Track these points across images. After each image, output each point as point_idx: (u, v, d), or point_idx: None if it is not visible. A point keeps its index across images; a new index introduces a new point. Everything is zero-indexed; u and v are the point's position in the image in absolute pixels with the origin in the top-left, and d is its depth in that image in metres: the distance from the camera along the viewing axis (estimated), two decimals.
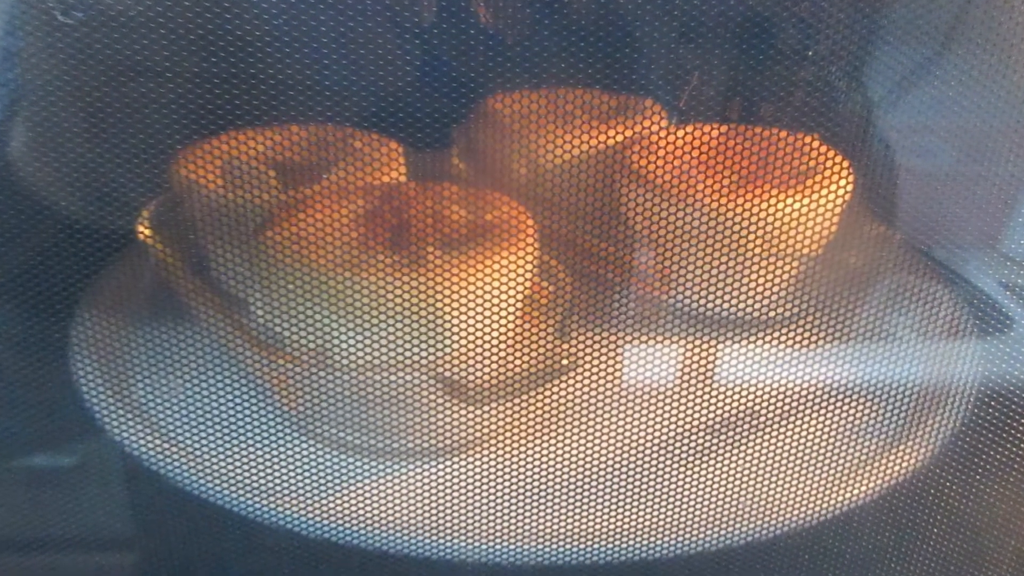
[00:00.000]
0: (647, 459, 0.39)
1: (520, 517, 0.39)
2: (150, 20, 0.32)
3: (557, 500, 0.40)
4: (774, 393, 0.39)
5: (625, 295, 0.44)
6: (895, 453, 0.41)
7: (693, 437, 0.40)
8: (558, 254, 0.43)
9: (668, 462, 0.40)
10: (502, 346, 0.38)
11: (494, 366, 0.38)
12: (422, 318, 0.37)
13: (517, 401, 0.40)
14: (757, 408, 0.40)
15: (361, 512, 0.39)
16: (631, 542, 0.39)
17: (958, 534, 0.40)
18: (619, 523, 0.39)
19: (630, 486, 0.40)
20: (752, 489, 0.40)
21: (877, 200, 0.41)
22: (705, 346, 0.39)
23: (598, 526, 0.39)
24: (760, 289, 0.38)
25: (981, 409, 0.40)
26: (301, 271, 0.37)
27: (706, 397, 0.38)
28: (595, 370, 0.38)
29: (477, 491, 0.39)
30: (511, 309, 0.38)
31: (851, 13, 0.35)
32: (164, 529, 0.42)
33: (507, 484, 0.39)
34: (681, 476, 0.40)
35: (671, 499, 0.39)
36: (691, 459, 0.40)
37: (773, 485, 0.40)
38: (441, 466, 0.40)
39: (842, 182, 0.39)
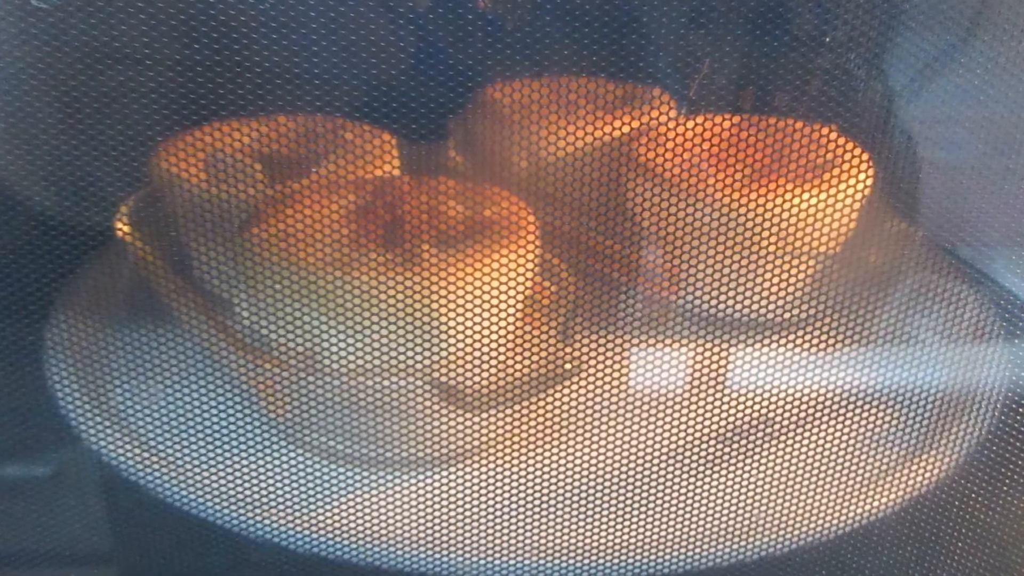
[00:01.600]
0: (655, 469, 0.39)
1: (521, 530, 0.39)
2: (129, 4, 0.32)
3: (560, 512, 0.40)
4: (789, 400, 0.39)
5: (631, 295, 0.44)
6: (917, 463, 0.41)
7: (703, 446, 0.40)
8: (561, 252, 0.43)
9: (677, 472, 0.40)
10: (501, 349, 0.38)
11: (493, 371, 0.38)
12: (417, 320, 0.37)
13: (517, 408, 0.40)
14: (771, 415, 0.40)
15: (353, 525, 0.39)
16: (638, 556, 0.39)
17: (984, 548, 0.40)
18: (626, 536, 0.39)
19: (637, 497, 0.39)
20: (766, 501, 0.40)
21: (898, 195, 0.41)
22: (716, 350, 0.39)
23: (603, 540, 0.39)
24: (774, 289, 0.38)
25: (1009, 416, 0.40)
26: (289, 270, 0.37)
27: (717, 404, 0.38)
28: (600, 375, 0.38)
29: (475, 503, 0.39)
30: (511, 310, 0.38)
31: None
32: (144, 543, 0.42)
33: (507, 495, 0.39)
34: (691, 487, 0.40)
35: (680, 511, 0.39)
36: (701, 469, 0.40)
37: (788, 496, 0.40)
38: (437, 477, 0.40)
39: (861, 176, 0.39)
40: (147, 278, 0.43)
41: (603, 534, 0.39)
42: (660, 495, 0.39)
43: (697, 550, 0.39)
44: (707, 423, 0.38)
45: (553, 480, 0.40)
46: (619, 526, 0.39)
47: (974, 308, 0.41)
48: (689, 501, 0.39)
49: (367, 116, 0.40)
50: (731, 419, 0.39)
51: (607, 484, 0.40)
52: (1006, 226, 0.39)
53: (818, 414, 0.40)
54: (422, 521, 0.39)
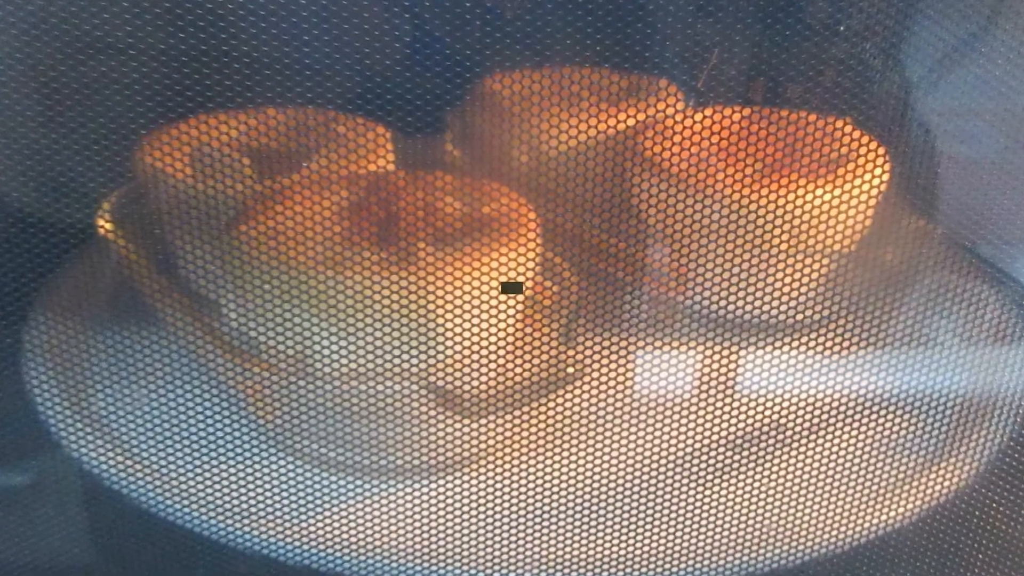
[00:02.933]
0: (662, 478, 0.39)
1: (521, 542, 0.39)
2: None
3: (563, 524, 0.40)
4: (802, 405, 0.39)
5: (637, 296, 0.44)
6: (936, 471, 0.41)
7: (712, 453, 0.40)
8: (563, 251, 0.43)
9: (684, 481, 0.40)
10: (501, 353, 0.38)
11: (492, 375, 0.38)
12: (412, 321, 0.37)
13: (518, 414, 0.40)
14: (783, 421, 0.39)
15: (345, 536, 0.39)
16: (644, 570, 0.39)
17: (1007, 560, 0.40)
18: (631, 549, 0.39)
19: (643, 508, 0.39)
20: (778, 511, 0.40)
21: (916, 191, 0.41)
22: (725, 352, 0.39)
23: (608, 552, 0.39)
24: (787, 289, 0.38)
25: None
26: (278, 269, 0.37)
27: (727, 409, 0.38)
28: (604, 379, 0.38)
29: (473, 513, 0.39)
30: (511, 311, 0.38)
31: None
32: (127, 555, 0.42)
33: (507, 506, 0.39)
34: (699, 497, 0.40)
35: (688, 522, 0.39)
36: (710, 478, 0.40)
37: (801, 506, 0.40)
38: (433, 486, 0.40)
39: (877, 171, 0.39)
40: (130, 278, 0.43)
41: (607, 546, 0.39)
42: (667, 505, 0.39)
43: (706, 563, 0.39)
44: (715, 429, 0.38)
45: (556, 489, 0.40)
46: (624, 538, 0.39)
47: (995, 309, 0.41)
48: (697, 511, 0.39)
49: (360, 108, 0.39)
50: (741, 425, 0.39)
51: (611, 494, 0.40)
52: None
53: (832, 420, 0.39)
54: (418, 532, 0.39)
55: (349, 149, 0.42)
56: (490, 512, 0.39)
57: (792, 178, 0.40)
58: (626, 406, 0.39)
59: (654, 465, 0.39)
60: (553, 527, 0.39)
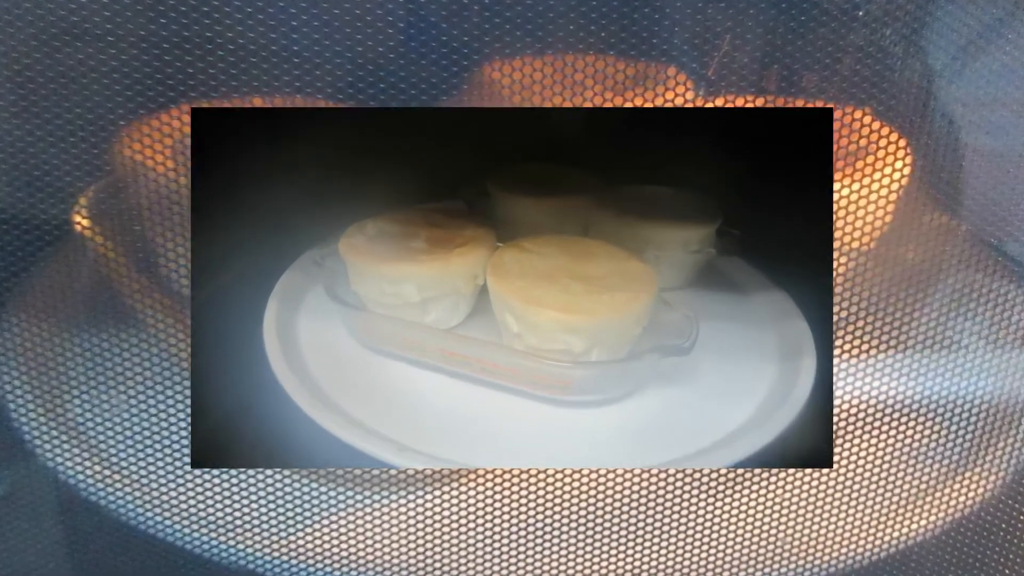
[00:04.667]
0: (669, 487, 0.39)
1: (522, 554, 0.39)
2: None
3: (565, 535, 0.39)
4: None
5: None
6: (960, 481, 0.41)
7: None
8: None
9: (693, 491, 0.39)
10: None
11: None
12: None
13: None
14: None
15: (336, 549, 0.39)
16: None
17: None
18: (637, 563, 0.39)
19: (650, 519, 0.39)
20: (794, 523, 0.39)
21: (939, 185, 0.40)
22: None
23: (613, 566, 0.39)
24: None
25: None
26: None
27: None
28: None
29: (471, 524, 0.39)
30: None
31: None
32: (105, 570, 0.42)
33: (506, 517, 0.39)
34: (709, 507, 0.39)
35: (698, 534, 0.39)
36: (721, 488, 0.40)
37: (819, 518, 0.39)
38: (430, 496, 0.40)
39: (898, 164, 0.39)
40: (108, 277, 0.42)
41: (613, 560, 0.39)
42: (675, 516, 0.39)
43: None
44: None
45: (558, 498, 0.39)
46: (630, 551, 0.39)
47: (1022, 310, 0.41)
48: (708, 523, 0.39)
49: (352, 97, 0.39)
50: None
51: (616, 504, 0.39)
52: None
53: (850, 427, 0.39)
54: (413, 542, 0.39)
55: None
56: (489, 524, 0.39)
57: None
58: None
59: (662, 474, 0.39)
60: (556, 539, 0.39)
